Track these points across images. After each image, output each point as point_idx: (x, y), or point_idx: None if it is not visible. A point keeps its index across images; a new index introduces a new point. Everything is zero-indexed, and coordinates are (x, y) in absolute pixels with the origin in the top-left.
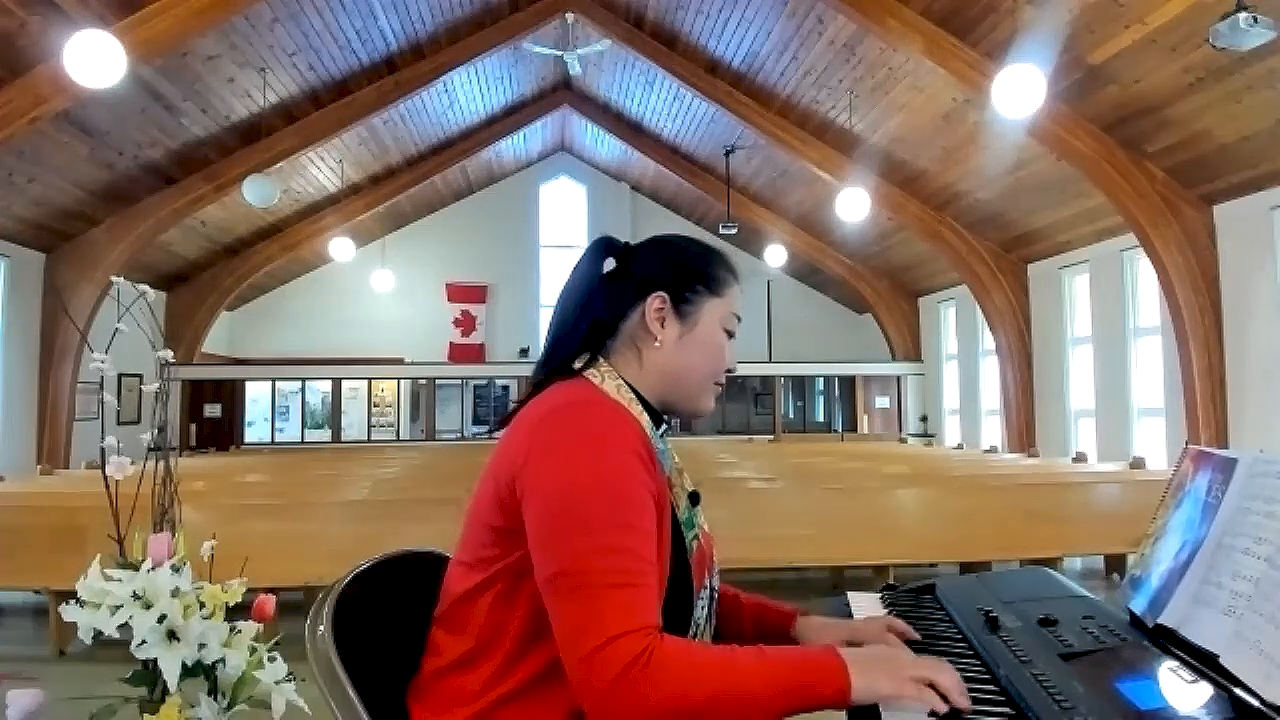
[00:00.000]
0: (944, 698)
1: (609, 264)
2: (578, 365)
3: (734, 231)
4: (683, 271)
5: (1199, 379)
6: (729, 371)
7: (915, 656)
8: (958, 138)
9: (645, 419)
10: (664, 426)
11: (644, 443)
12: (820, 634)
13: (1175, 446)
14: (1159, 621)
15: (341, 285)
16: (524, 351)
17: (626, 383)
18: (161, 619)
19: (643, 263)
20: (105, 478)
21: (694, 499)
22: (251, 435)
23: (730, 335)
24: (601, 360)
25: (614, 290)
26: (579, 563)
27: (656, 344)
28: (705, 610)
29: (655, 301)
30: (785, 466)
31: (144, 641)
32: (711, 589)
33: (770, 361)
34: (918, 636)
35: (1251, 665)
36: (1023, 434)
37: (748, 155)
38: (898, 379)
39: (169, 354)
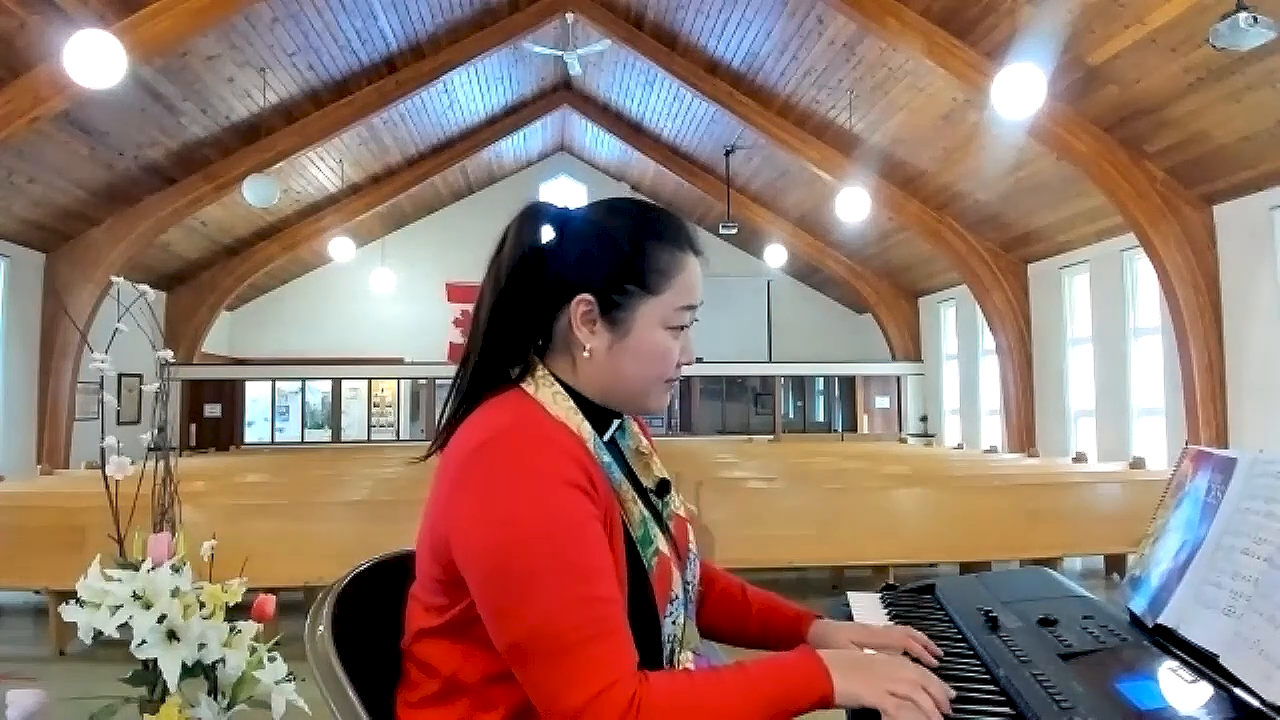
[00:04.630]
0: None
1: (547, 234)
2: (515, 373)
3: (734, 231)
4: (609, 267)
5: (1199, 379)
6: (686, 364)
7: (901, 667)
8: (958, 138)
9: (586, 430)
10: (616, 424)
11: (581, 466)
12: (834, 638)
13: (1175, 446)
14: (1159, 621)
15: (341, 285)
16: None
17: (565, 387)
18: (161, 619)
19: (573, 248)
20: (105, 478)
21: (662, 488)
22: (251, 435)
23: (681, 328)
24: (539, 363)
25: (545, 281)
26: (541, 625)
27: (585, 353)
28: (678, 621)
29: (580, 306)
30: (785, 466)
31: (144, 641)
32: (685, 585)
33: (770, 361)
34: (936, 660)
35: (1251, 665)
36: (1023, 434)
37: (748, 155)
38: (898, 379)
39: (169, 354)
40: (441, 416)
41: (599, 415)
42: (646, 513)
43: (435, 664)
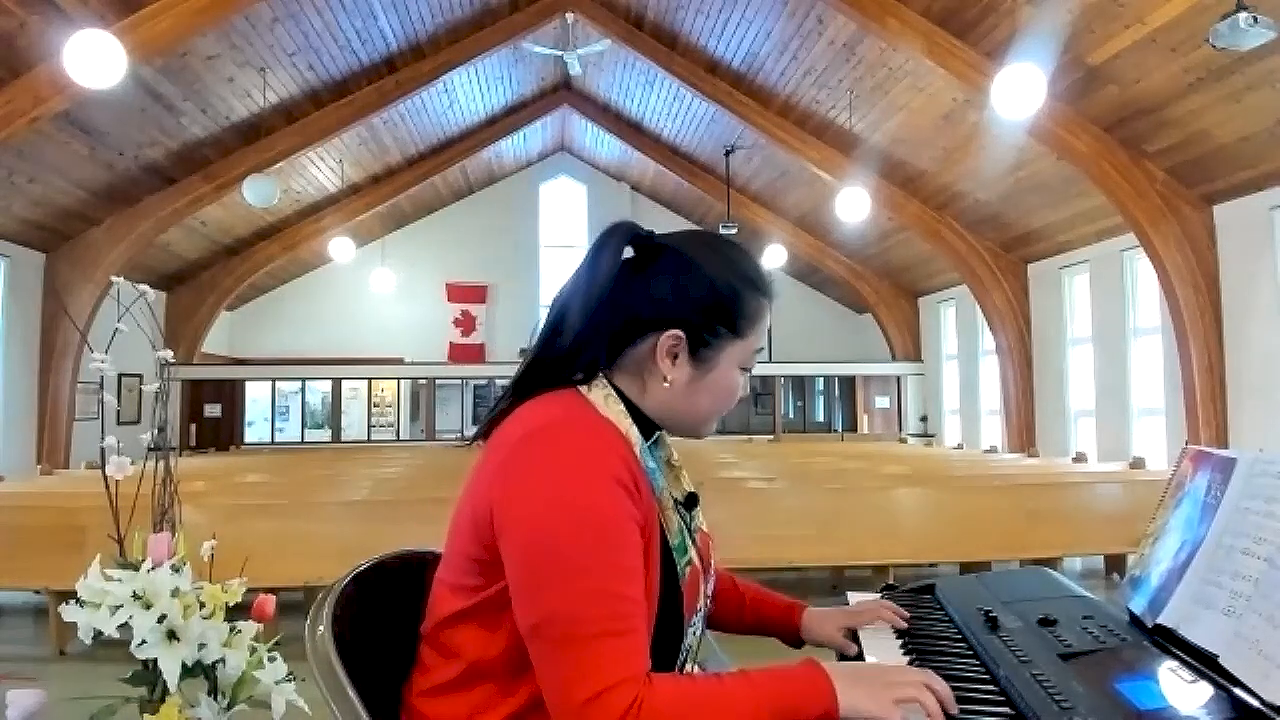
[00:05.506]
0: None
1: (627, 252)
2: (577, 379)
3: (734, 231)
4: (706, 308)
5: (1199, 379)
6: (742, 397)
7: (903, 672)
8: (958, 138)
9: (634, 433)
10: (657, 433)
11: (629, 466)
12: (822, 623)
13: (1175, 446)
14: (1159, 621)
15: (341, 285)
16: (524, 352)
17: (617, 392)
18: (161, 619)
19: (664, 281)
20: (105, 478)
21: (690, 501)
22: (251, 435)
23: (748, 370)
24: (600, 375)
25: (635, 305)
26: (564, 611)
27: (665, 384)
28: (696, 633)
29: (669, 340)
30: (785, 466)
31: (144, 641)
32: (706, 601)
33: (770, 361)
34: (907, 616)
35: (1251, 665)
36: (1023, 434)
37: (748, 155)
38: (898, 379)
39: (169, 354)
40: (497, 406)
41: (644, 425)
42: (682, 522)
43: (460, 647)
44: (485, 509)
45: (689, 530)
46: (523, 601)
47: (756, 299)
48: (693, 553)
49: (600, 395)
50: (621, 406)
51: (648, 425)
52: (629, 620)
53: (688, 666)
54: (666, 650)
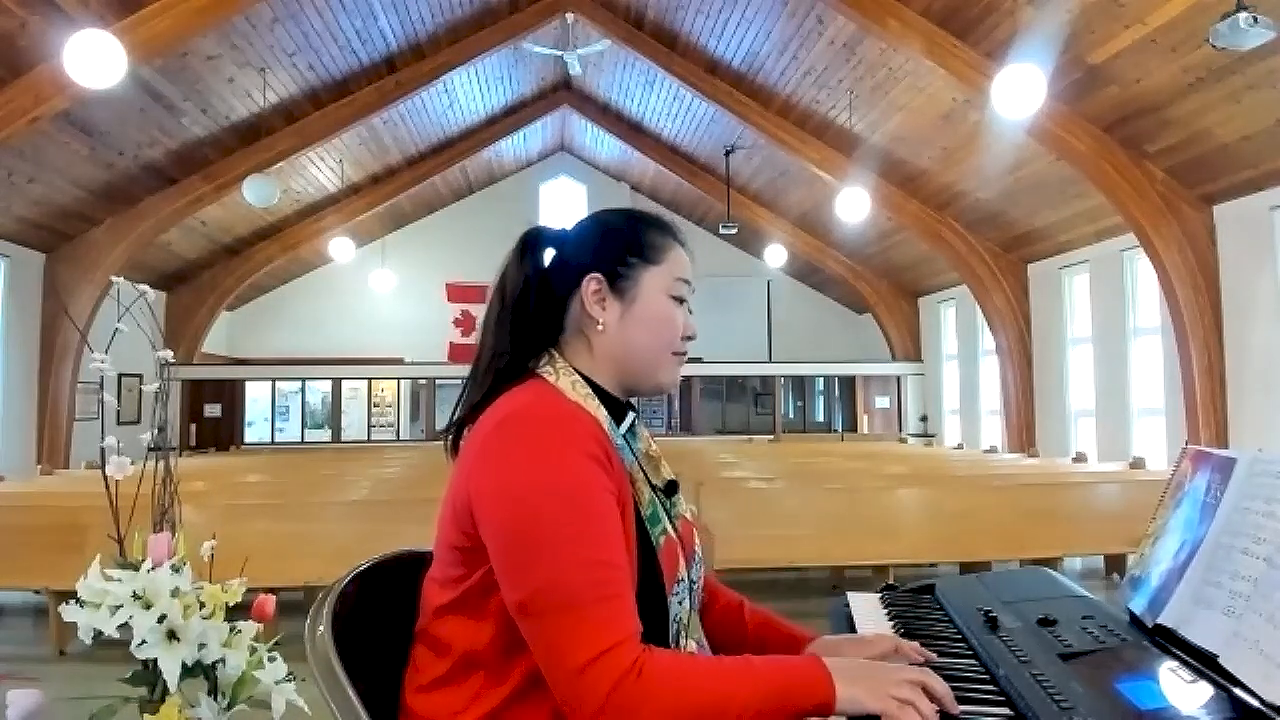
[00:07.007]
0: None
1: (549, 256)
2: (533, 364)
3: (734, 231)
4: (611, 247)
5: (1199, 379)
6: (688, 339)
7: (901, 671)
8: (958, 138)
9: (603, 414)
10: (631, 418)
11: (599, 442)
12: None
13: (1175, 446)
14: (1158, 621)
15: (341, 285)
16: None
17: (582, 376)
18: (161, 619)
19: (574, 248)
20: (105, 478)
21: (670, 489)
22: (251, 435)
23: (681, 301)
24: (556, 355)
25: (555, 283)
26: (550, 582)
27: (600, 328)
28: (685, 604)
29: (590, 284)
30: (785, 466)
31: (144, 641)
32: (690, 581)
33: (770, 361)
34: (934, 657)
35: (1251, 665)
36: (1023, 434)
37: (748, 155)
38: (898, 379)
39: (169, 354)
40: (454, 415)
41: (614, 409)
42: (655, 496)
43: (450, 640)
44: (464, 497)
45: (666, 511)
46: (509, 579)
47: (657, 232)
48: (666, 523)
49: (567, 382)
50: (588, 389)
51: (616, 410)
52: (616, 585)
53: (683, 640)
54: (653, 621)
